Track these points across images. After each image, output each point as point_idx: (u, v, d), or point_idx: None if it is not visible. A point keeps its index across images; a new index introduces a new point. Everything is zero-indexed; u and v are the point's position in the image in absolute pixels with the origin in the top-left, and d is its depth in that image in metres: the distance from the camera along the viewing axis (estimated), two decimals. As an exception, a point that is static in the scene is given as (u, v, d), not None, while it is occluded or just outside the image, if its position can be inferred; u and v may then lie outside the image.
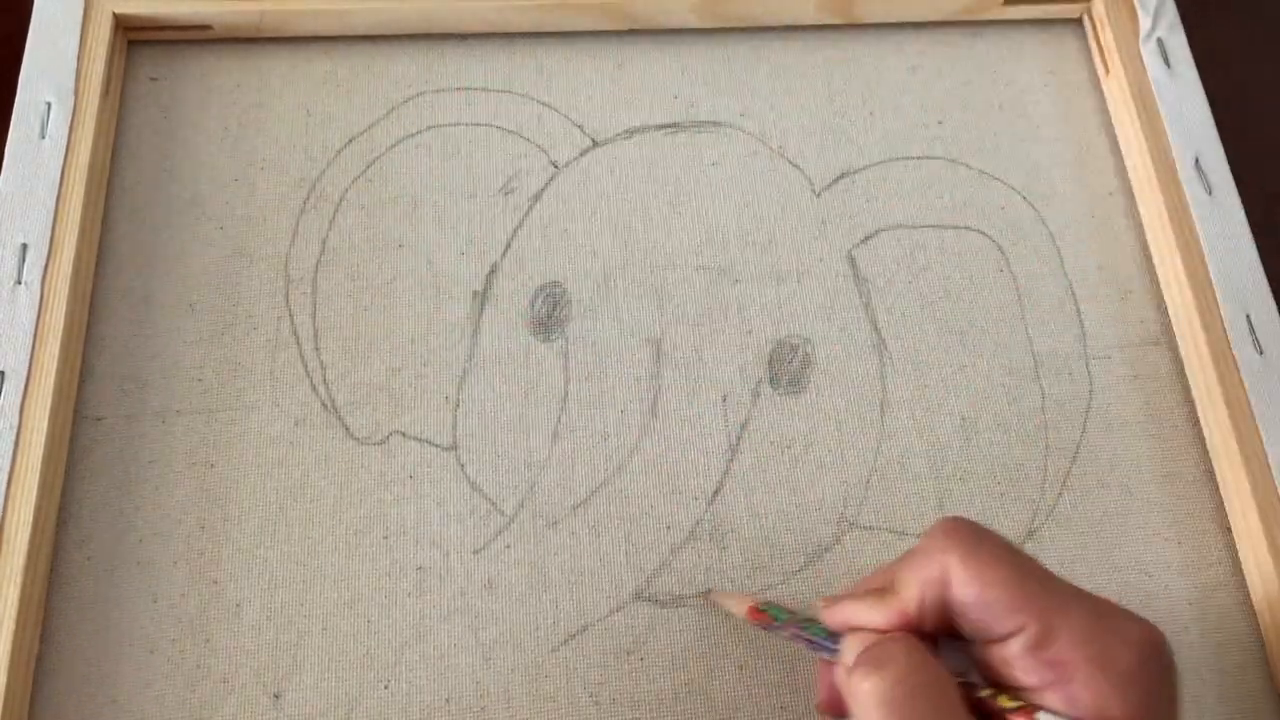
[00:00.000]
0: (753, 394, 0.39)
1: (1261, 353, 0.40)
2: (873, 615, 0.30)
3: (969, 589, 0.28)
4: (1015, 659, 0.27)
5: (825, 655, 0.31)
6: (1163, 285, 0.42)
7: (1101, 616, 0.27)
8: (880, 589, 0.30)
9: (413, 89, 0.43)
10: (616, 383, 0.39)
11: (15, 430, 0.35)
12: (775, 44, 0.45)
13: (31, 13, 0.41)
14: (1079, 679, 0.26)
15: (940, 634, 0.29)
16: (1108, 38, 0.45)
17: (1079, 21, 0.47)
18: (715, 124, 0.44)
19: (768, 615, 0.33)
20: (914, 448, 0.39)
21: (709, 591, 0.37)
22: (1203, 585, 0.38)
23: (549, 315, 0.40)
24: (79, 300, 0.38)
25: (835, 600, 0.31)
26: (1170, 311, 0.42)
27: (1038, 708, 0.27)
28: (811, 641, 0.31)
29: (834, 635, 0.31)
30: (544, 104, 0.43)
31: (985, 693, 0.28)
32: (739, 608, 0.35)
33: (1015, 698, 0.28)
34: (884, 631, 0.29)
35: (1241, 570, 0.38)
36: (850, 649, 0.29)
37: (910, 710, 0.27)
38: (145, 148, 0.41)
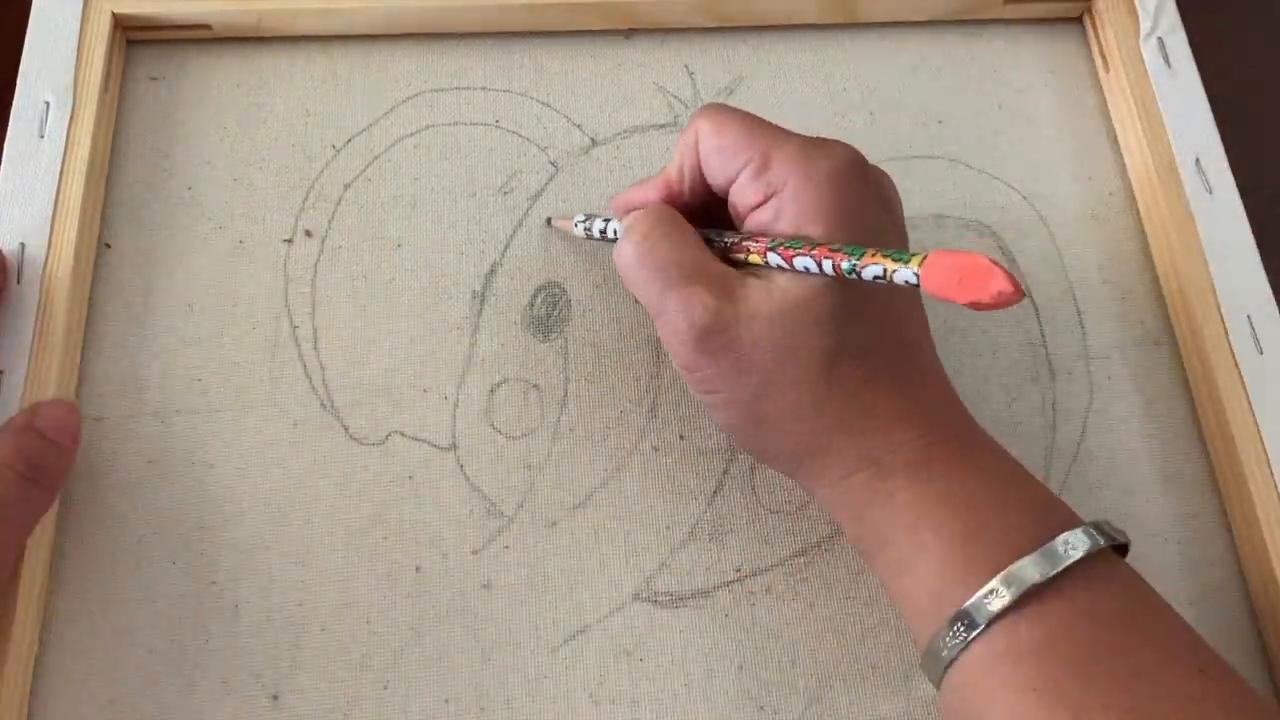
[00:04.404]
0: (752, 394, 0.39)
1: (1261, 353, 0.39)
2: (645, 192, 0.36)
3: (711, 139, 0.34)
4: (744, 188, 0.33)
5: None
6: (1163, 285, 0.42)
7: (811, 144, 0.33)
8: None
9: (412, 88, 0.43)
10: (616, 383, 0.39)
11: (14, 430, 0.35)
12: (776, 43, 0.45)
13: (30, 12, 0.41)
14: (788, 189, 0.32)
15: (700, 203, 0.35)
16: (1108, 36, 0.45)
17: (1079, 20, 0.47)
18: (715, 124, 0.44)
19: (582, 222, 0.39)
20: (914, 448, 0.39)
21: (549, 219, 0.41)
22: (1203, 585, 0.38)
23: (548, 315, 0.40)
24: (79, 300, 0.38)
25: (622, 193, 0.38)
26: (1170, 311, 0.41)
27: (759, 236, 0.32)
28: (615, 236, 0.37)
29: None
30: (544, 104, 0.43)
31: (727, 238, 0.33)
32: (569, 225, 0.40)
33: (745, 237, 0.33)
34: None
35: (1242, 571, 0.38)
36: (624, 225, 0.35)
37: (652, 251, 0.33)
38: (144, 147, 0.41)
